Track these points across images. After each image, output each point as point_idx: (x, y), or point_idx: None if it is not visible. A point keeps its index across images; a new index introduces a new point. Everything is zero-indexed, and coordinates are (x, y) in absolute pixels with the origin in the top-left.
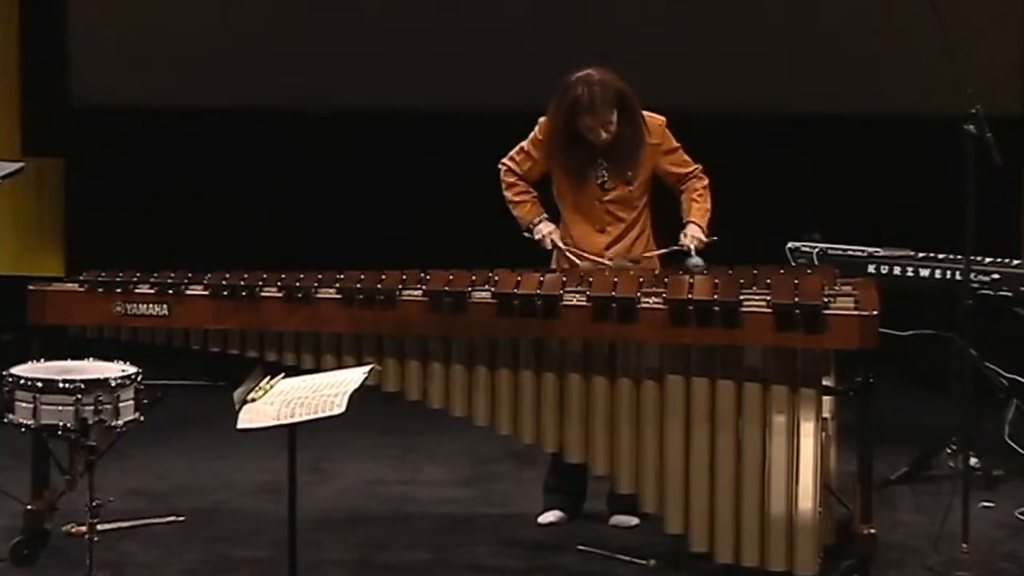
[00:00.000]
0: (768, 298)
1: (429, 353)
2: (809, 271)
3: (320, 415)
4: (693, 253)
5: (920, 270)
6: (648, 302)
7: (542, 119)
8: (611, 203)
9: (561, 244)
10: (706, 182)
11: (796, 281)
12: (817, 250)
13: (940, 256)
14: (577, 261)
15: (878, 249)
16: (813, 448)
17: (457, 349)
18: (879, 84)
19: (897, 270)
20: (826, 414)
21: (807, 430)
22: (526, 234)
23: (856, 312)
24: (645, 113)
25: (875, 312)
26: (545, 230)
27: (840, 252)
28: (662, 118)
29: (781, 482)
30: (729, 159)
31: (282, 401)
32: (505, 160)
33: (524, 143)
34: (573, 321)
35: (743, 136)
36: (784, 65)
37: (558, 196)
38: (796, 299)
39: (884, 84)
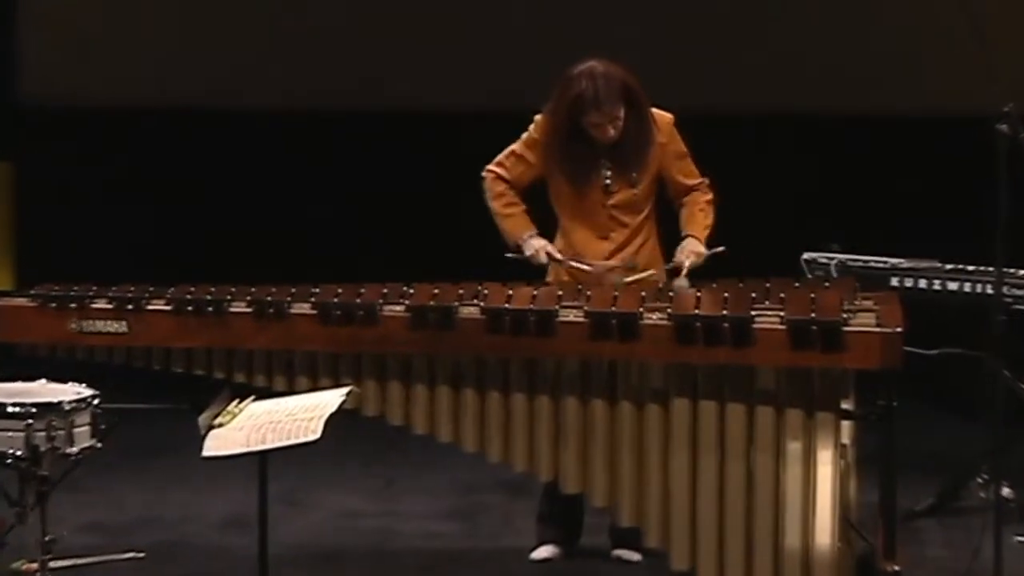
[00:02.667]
0: (782, 314)
1: (413, 374)
2: (827, 284)
3: (294, 442)
4: (684, 273)
5: (948, 283)
6: (651, 318)
7: (538, 117)
8: (615, 207)
9: (558, 255)
10: (710, 197)
11: (812, 295)
12: (835, 261)
13: (970, 268)
14: (583, 271)
15: (902, 260)
16: (831, 478)
17: (443, 370)
18: (902, 81)
19: (923, 283)
20: (845, 440)
21: (824, 458)
22: (512, 254)
23: (878, 329)
24: (653, 109)
25: (898, 329)
26: (537, 244)
27: (861, 264)
28: (670, 115)
29: (796, 515)
30: (738, 161)
31: (252, 426)
32: (491, 167)
33: (515, 146)
34: (569, 339)
35: (753, 137)
36: (805, 63)
37: (556, 201)
38: (812, 315)
39: (907, 82)
